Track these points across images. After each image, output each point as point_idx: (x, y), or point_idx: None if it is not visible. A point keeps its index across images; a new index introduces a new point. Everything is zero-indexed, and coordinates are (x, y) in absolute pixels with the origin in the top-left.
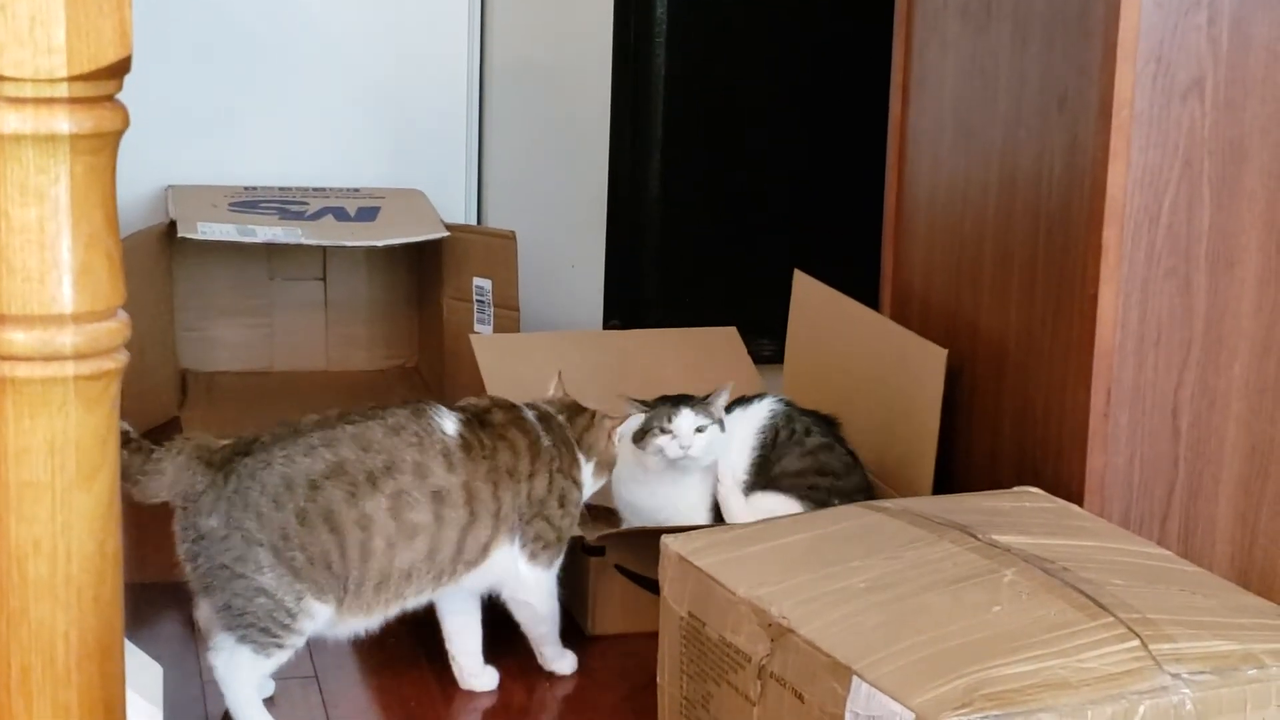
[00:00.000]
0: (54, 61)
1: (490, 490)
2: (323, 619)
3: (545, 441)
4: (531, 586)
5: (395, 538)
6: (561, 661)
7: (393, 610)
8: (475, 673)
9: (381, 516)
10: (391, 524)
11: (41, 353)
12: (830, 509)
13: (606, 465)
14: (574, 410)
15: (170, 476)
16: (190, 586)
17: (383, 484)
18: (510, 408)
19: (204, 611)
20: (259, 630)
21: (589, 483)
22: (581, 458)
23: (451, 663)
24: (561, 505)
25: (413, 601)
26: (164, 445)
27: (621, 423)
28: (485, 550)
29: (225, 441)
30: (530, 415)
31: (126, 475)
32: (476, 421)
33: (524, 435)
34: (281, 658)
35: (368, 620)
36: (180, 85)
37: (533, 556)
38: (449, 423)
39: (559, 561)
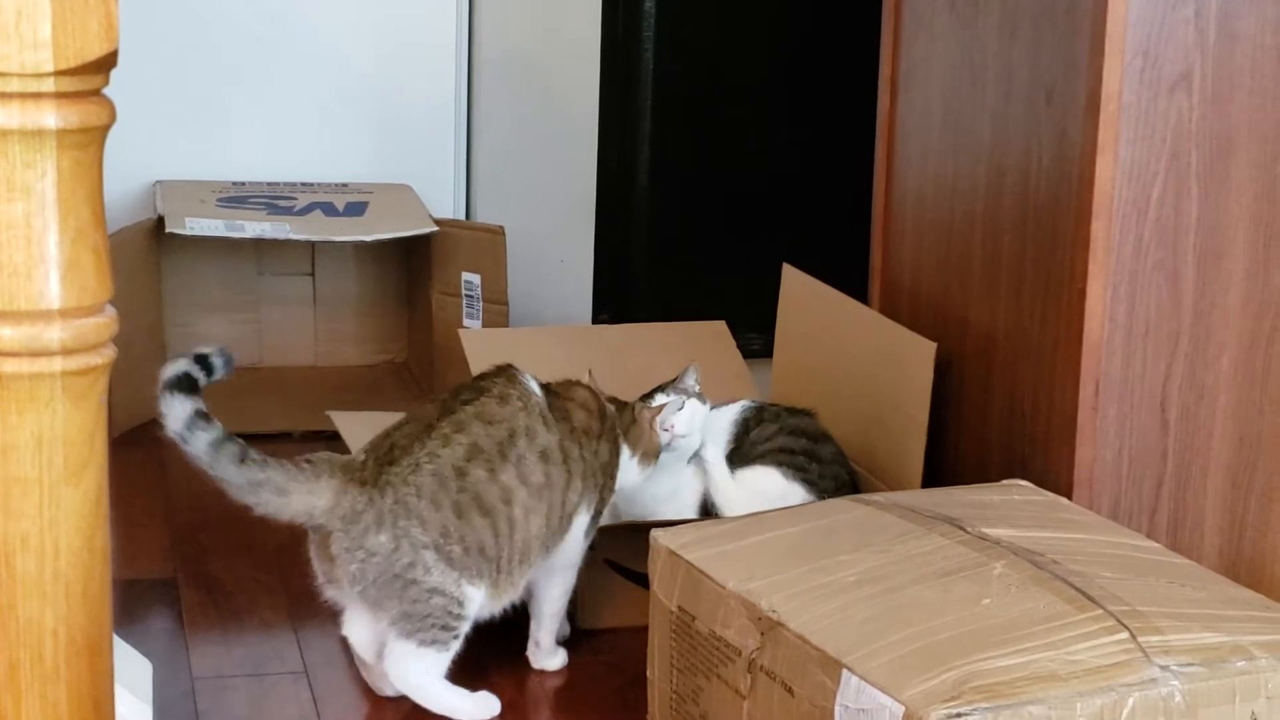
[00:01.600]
0: (40, 56)
1: (577, 448)
2: (477, 604)
3: (609, 408)
4: (577, 553)
5: (529, 502)
6: (553, 658)
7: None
8: (550, 651)
9: (514, 483)
10: (523, 489)
11: (29, 348)
12: (819, 503)
13: (652, 454)
14: (616, 405)
15: (329, 500)
16: (342, 601)
17: (509, 452)
18: (567, 380)
19: (360, 628)
20: (439, 629)
21: (635, 474)
22: (626, 449)
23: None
24: (610, 477)
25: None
26: (304, 464)
27: (659, 411)
28: (572, 516)
29: (348, 456)
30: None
31: (261, 488)
32: (546, 389)
33: (592, 396)
34: (456, 648)
35: (514, 596)
36: (168, 81)
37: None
38: (534, 384)
39: (593, 533)
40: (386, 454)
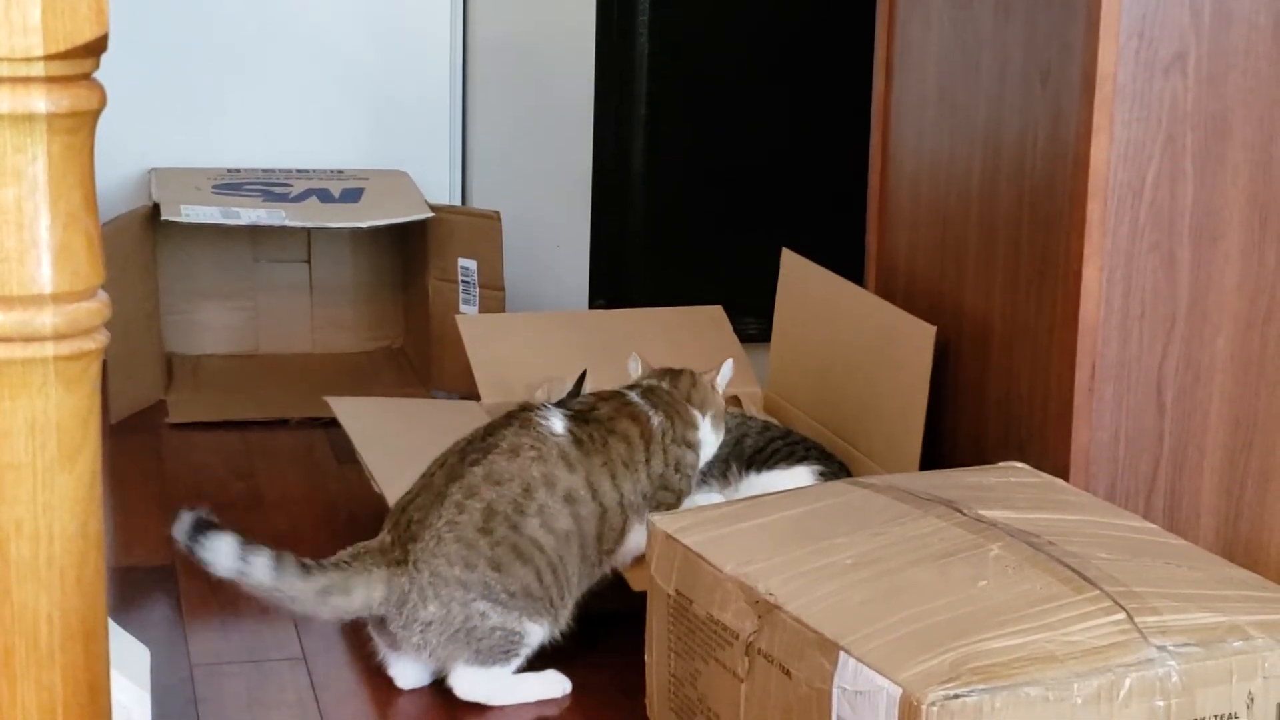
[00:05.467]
0: (30, 40)
1: (609, 481)
2: (538, 638)
3: (655, 420)
4: (635, 557)
5: (560, 548)
6: None
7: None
8: None
9: (541, 534)
10: (550, 538)
11: (21, 333)
12: (816, 486)
13: (721, 415)
14: (672, 375)
15: (378, 594)
16: (399, 660)
17: (528, 506)
18: (614, 396)
19: (412, 673)
20: (503, 653)
21: (710, 439)
22: (697, 415)
23: None
24: (678, 470)
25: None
26: (350, 561)
27: (718, 373)
28: (621, 535)
29: (377, 540)
30: (635, 396)
31: (329, 594)
32: (582, 418)
33: (634, 423)
34: (519, 663)
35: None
36: (162, 68)
37: None
38: (556, 422)
39: None
40: (407, 530)
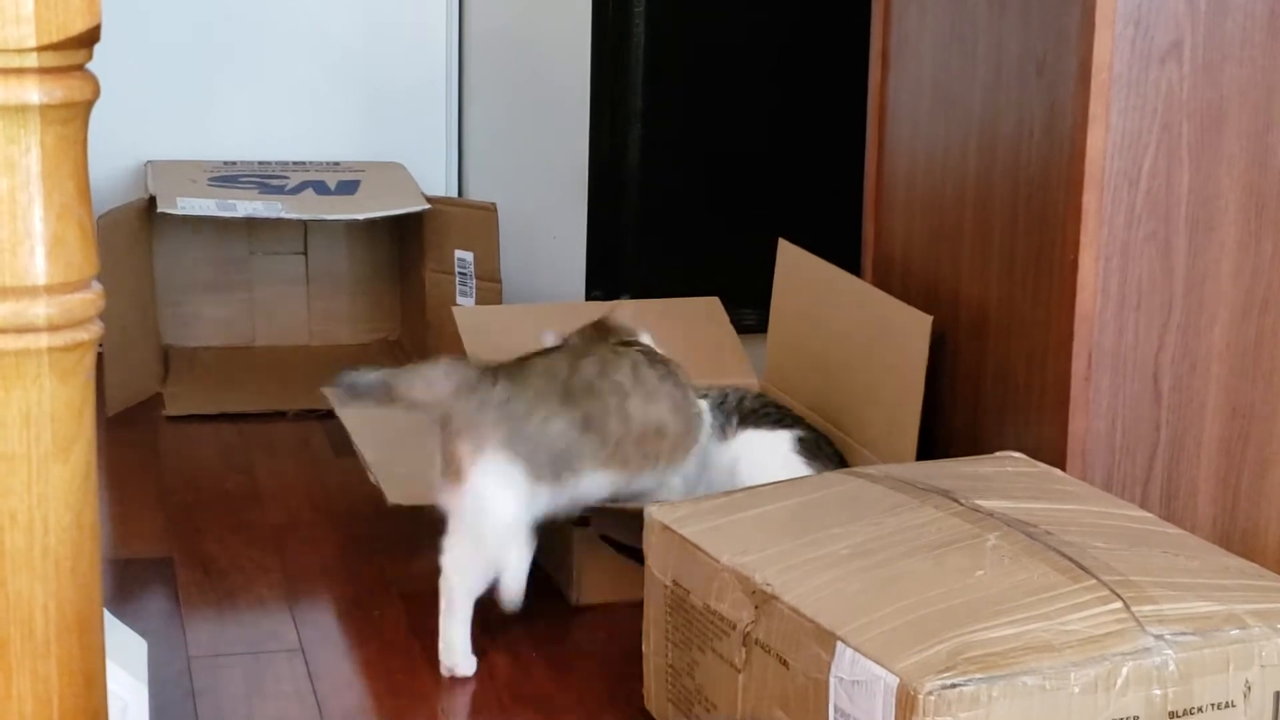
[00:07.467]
0: (23, 31)
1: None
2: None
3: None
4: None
5: (642, 400)
6: None
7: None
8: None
9: (629, 381)
10: (636, 385)
11: (14, 324)
12: (813, 476)
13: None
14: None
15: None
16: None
17: (620, 363)
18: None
19: (464, 567)
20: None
21: None
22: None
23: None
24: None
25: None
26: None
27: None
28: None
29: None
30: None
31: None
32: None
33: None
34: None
35: (623, 474)
36: (158, 61)
37: None
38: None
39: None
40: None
